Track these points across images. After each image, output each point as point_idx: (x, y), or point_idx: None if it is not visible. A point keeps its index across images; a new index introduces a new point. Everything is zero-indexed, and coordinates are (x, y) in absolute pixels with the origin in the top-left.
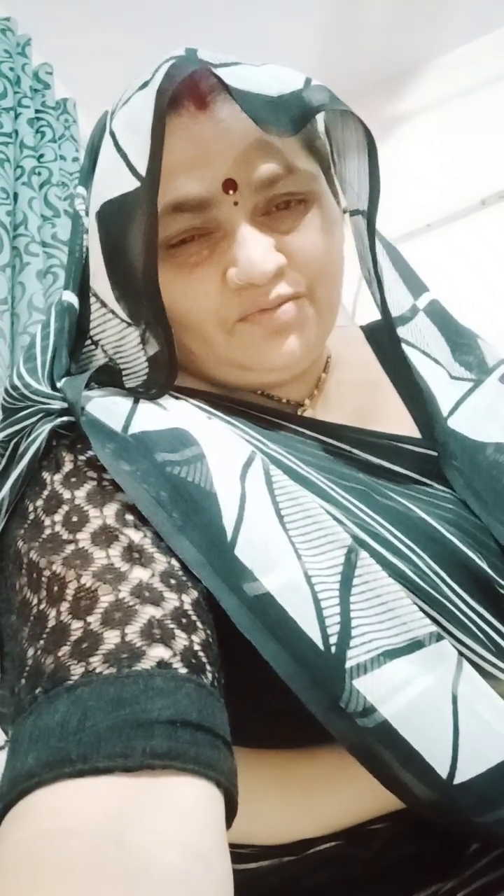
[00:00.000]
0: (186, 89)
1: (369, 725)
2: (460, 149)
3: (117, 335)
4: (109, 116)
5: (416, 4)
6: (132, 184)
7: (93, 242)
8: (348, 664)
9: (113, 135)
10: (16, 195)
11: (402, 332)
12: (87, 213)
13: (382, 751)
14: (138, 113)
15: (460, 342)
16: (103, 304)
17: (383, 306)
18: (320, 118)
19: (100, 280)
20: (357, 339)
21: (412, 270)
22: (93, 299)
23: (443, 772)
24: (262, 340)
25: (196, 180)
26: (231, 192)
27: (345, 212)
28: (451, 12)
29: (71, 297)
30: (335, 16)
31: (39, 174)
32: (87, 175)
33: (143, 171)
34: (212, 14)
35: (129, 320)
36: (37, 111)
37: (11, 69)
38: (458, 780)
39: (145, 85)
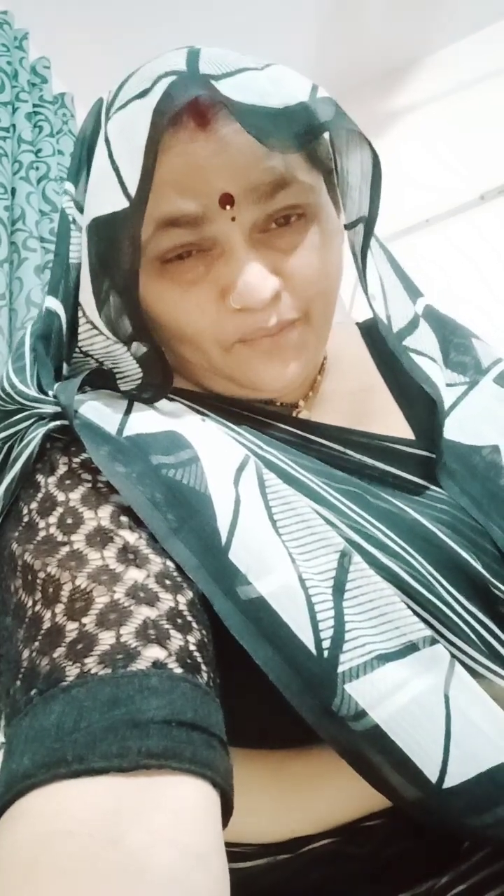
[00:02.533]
0: (187, 107)
1: (359, 729)
2: (459, 144)
3: (104, 350)
4: (104, 115)
5: None
6: (122, 203)
7: (84, 256)
8: (341, 668)
9: (108, 142)
10: (13, 190)
11: (410, 342)
12: (77, 209)
13: (373, 755)
14: (134, 126)
15: (456, 342)
16: (89, 321)
17: (387, 324)
18: None
19: (86, 293)
20: (353, 339)
21: (408, 276)
22: (80, 311)
23: (432, 776)
24: (260, 362)
25: (191, 197)
26: (228, 207)
27: (344, 227)
28: (449, 6)
29: (54, 304)
30: (333, 10)
31: (37, 169)
32: (77, 171)
33: (133, 190)
34: (210, 9)
35: (114, 338)
36: (34, 105)
37: (9, 63)
38: (447, 784)
39: (144, 94)
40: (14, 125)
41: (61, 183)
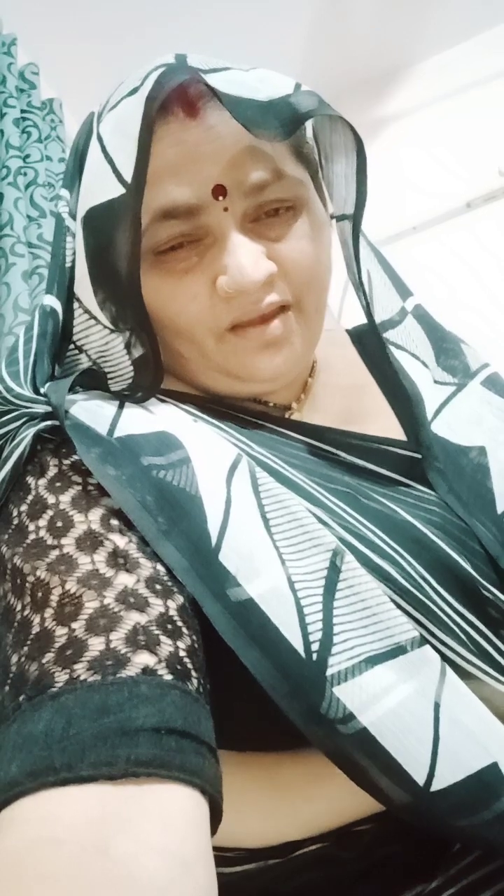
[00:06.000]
0: (176, 96)
1: (348, 733)
2: (445, 151)
3: (101, 341)
4: (96, 119)
5: (403, 6)
6: (118, 190)
7: (78, 248)
8: (329, 671)
9: (100, 139)
10: (1, 195)
11: (391, 335)
12: (70, 216)
13: (361, 758)
14: (127, 119)
15: (445, 346)
16: (87, 311)
17: (368, 312)
18: (309, 123)
19: (84, 286)
20: (343, 343)
21: (397, 275)
22: (76, 304)
23: (420, 779)
24: (252, 353)
25: (185, 186)
26: (221, 197)
27: (332, 217)
28: (437, 14)
29: (52, 302)
30: (321, 17)
31: (25, 174)
32: (71, 177)
33: (129, 177)
34: (199, 15)
35: (112, 327)
36: (22, 111)
37: None
38: (435, 787)
39: (134, 91)
40: (2, 130)
41: (49, 188)
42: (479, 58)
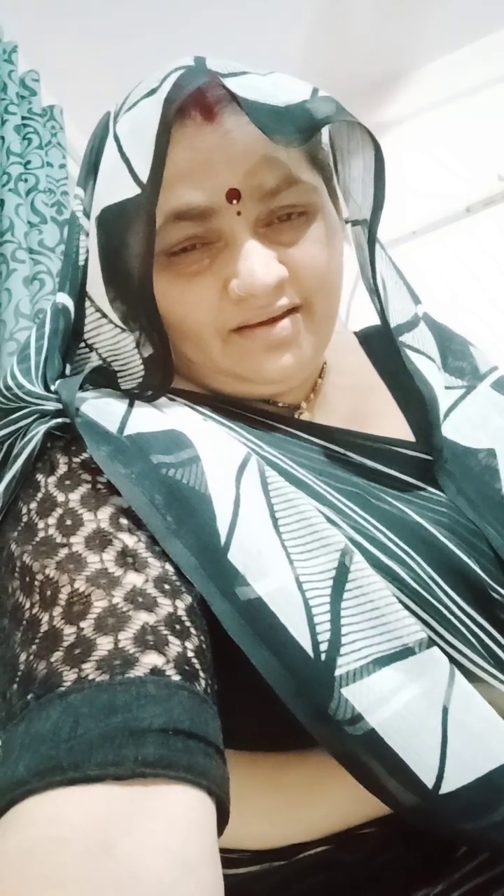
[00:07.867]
0: (194, 100)
1: (356, 734)
2: (444, 156)
3: (112, 339)
4: (113, 119)
5: (402, 13)
6: (133, 190)
7: (91, 247)
8: (338, 672)
9: (117, 139)
10: (2, 202)
11: (407, 338)
12: (84, 215)
13: (369, 759)
14: (144, 120)
15: (453, 348)
16: (98, 309)
17: (383, 316)
18: (325, 128)
19: (96, 284)
20: (351, 345)
21: (407, 281)
22: (88, 303)
23: (429, 781)
24: (258, 353)
25: (199, 189)
26: (234, 201)
27: (346, 222)
28: (437, 19)
29: (65, 299)
30: (322, 20)
31: (26, 181)
32: (86, 176)
33: (144, 178)
34: (199, 21)
35: (123, 326)
36: (23, 118)
37: None
38: (444, 789)
39: (153, 92)
40: (3, 137)
41: (50, 195)
42: (479, 62)
